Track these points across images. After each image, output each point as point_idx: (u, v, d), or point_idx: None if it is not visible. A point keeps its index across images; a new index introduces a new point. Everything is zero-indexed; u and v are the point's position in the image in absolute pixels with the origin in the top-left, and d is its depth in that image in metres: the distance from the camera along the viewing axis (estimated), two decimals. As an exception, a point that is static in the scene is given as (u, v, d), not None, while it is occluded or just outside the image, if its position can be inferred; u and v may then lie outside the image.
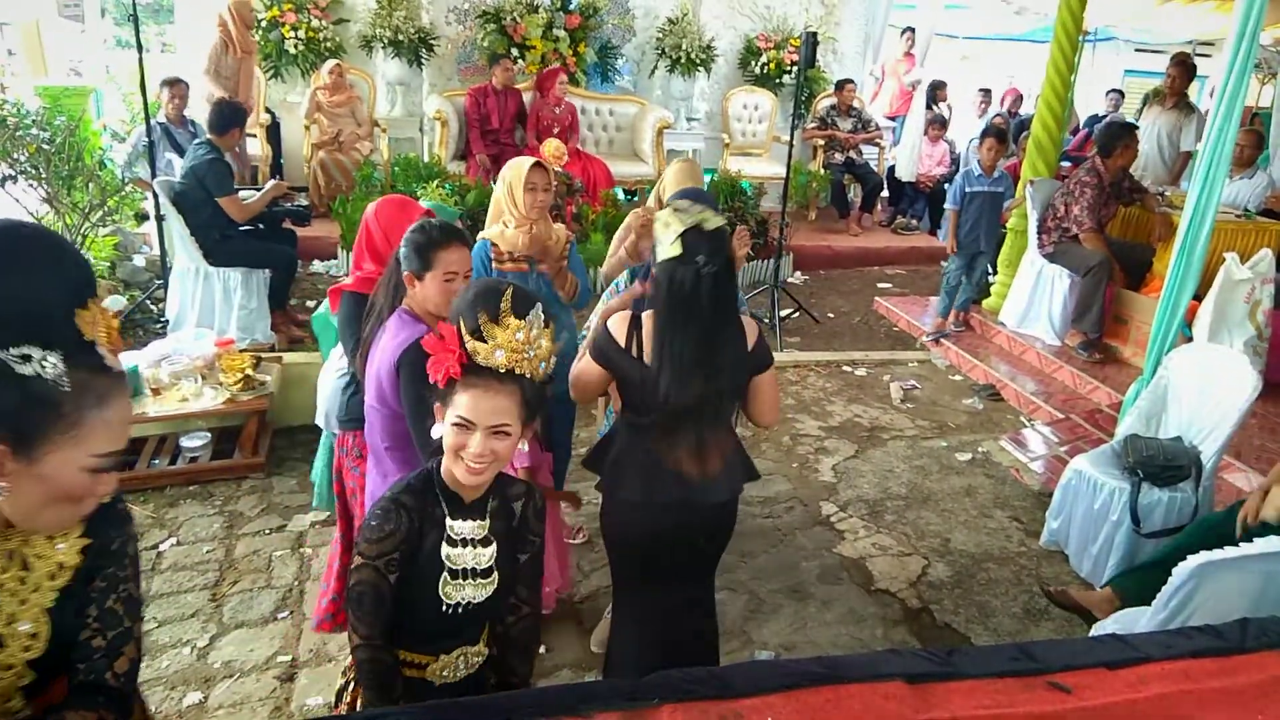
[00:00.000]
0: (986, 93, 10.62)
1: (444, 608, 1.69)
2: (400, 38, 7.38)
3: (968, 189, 5.83)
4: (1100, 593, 3.34)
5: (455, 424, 1.60)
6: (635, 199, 7.66)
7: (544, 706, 1.54)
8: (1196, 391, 3.59)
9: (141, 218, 6.51)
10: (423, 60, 7.63)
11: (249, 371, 4.07)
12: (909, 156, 8.55)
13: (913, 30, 9.42)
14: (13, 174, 4.85)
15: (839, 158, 8.45)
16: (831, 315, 6.78)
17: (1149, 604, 2.57)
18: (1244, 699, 1.63)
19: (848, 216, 8.50)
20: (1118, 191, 5.40)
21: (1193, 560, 2.43)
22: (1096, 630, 2.94)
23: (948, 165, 8.97)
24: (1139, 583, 3.05)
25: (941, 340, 6.06)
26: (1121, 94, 10.75)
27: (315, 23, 7.27)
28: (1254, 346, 4.32)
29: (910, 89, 9.10)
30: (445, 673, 1.76)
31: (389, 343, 2.20)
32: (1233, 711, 1.61)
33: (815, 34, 6.29)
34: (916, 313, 6.62)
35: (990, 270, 6.31)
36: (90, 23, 9.02)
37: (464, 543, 1.69)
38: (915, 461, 4.53)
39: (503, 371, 1.60)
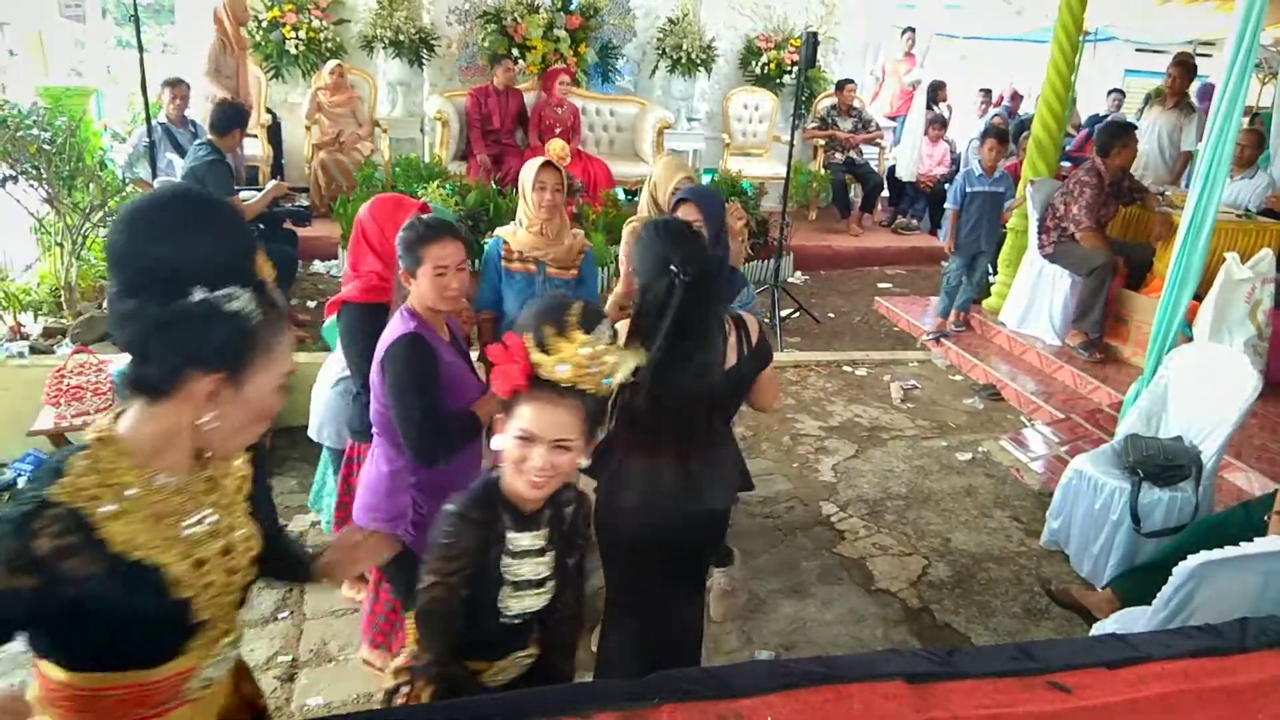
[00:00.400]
0: (987, 93, 10.62)
1: (503, 619, 1.68)
2: (401, 38, 7.38)
3: (968, 189, 5.83)
4: (1101, 593, 3.34)
5: (518, 437, 1.59)
6: (635, 199, 7.65)
7: (544, 706, 1.54)
8: (1197, 391, 3.59)
9: (142, 218, 6.51)
10: (423, 60, 7.63)
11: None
12: (909, 156, 8.56)
13: (913, 30, 9.42)
14: (13, 174, 4.84)
15: (839, 158, 8.45)
16: (832, 315, 6.78)
17: (1149, 604, 2.57)
18: (1244, 698, 1.63)
19: (849, 216, 8.50)
20: (1118, 191, 5.40)
21: (1193, 560, 2.43)
22: (1096, 630, 2.94)
23: (948, 165, 8.97)
24: (1139, 584, 3.05)
25: (941, 340, 6.06)
26: (1122, 94, 10.75)
27: (316, 23, 7.28)
28: (1254, 346, 4.32)
29: (910, 89, 9.10)
30: (500, 676, 1.77)
31: (385, 337, 2.24)
32: (1232, 711, 1.61)
33: (815, 34, 6.30)
34: (917, 313, 6.62)
35: (990, 270, 6.31)
36: (91, 23, 9.01)
37: (523, 554, 1.69)
38: (915, 461, 4.53)
39: (565, 386, 1.58)
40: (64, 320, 4.90)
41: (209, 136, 4.89)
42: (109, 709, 1.26)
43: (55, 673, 1.25)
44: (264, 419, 1.29)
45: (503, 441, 1.63)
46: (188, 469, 1.29)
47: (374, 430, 2.33)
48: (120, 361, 4.01)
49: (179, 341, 1.16)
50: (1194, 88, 6.96)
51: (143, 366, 1.20)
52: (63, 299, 5.01)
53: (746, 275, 6.87)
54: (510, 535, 1.67)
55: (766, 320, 6.01)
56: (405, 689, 1.75)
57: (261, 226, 5.20)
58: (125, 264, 1.18)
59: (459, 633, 1.67)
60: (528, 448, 1.59)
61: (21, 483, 3.93)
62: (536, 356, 1.57)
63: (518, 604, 1.69)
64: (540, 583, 1.71)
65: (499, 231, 3.17)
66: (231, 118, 4.90)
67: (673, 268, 2.06)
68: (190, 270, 1.16)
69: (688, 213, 2.78)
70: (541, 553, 1.71)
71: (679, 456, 2.19)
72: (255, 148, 6.87)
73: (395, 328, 2.22)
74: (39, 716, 1.30)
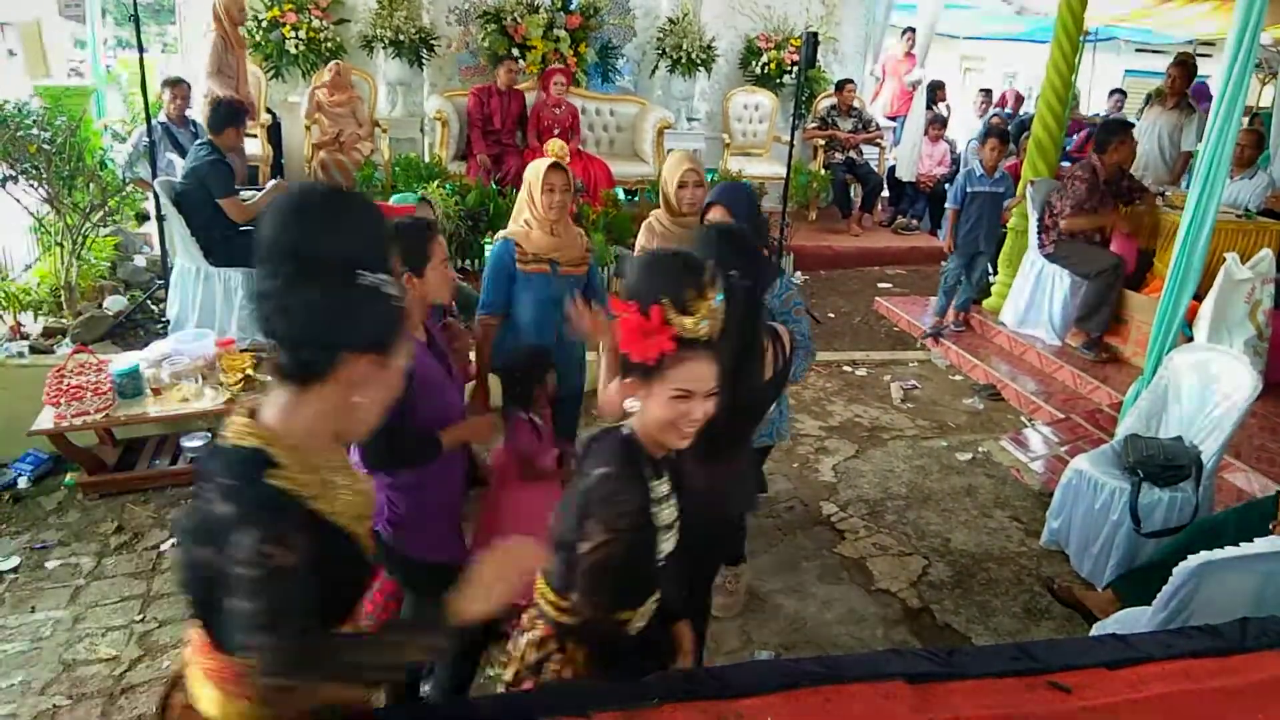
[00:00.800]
0: (987, 93, 10.63)
1: (653, 565, 1.76)
2: (401, 38, 7.37)
3: (969, 189, 5.83)
4: (1102, 594, 3.34)
5: (675, 396, 1.65)
6: (635, 199, 7.65)
7: (544, 706, 1.54)
8: (1197, 391, 3.59)
9: (142, 218, 6.51)
10: (423, 60, 7.63)
11: (250, 371, 4.07)
12: (909, 156, 8.56)
13: (913, 30, 9.42)
14: (14, 174, 4.85)
15: (839, 158, 8.45)
16: (832, 315, 6.78)
17: (1149, 604, 2.57)
18: (1244, 698, 1.64)
19: (849, 216, 8.50)
20: (1116, 190, 5.39)
21: (1193, 560, 2.43)
22: (1097, 630, 2.94)
23: (948, 165, 8.97)
24: (1139, 584, 3.05)
25: (940, 338, 6.06)
26: (1124, 94, 10.75)
27: (316, 23, 7.26)
28: (1254, 346, 4.32)
29: (910, 89, 9.10)
30: (639, 622, 1.82)
31: None
32: (1232, 711, 1.61)
33: (816, 34, 6.30)
34: (917, 312, 6.62)
35: (990, 270, 6.31)
36: (92, 22, 9.00)
37: (662, 500, 1.75)
38: (915, 461, 4.53)
39: (704, 340, 1.67)
40: (64, 320, 4.91)
41: (209, 136, 4.88)
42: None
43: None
44: (393, 399, 1.38)
45: (634, 403, 1.70)
46: (330, 448, 1.38)
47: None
48: (121, 361, 4.02)
49: (345, 324, 1.25)
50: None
51: (300, 353, 1.26)
52: (63, 299, 5.01)
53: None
54: (652, 484, 1.73)
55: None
56: (556, 656, 1.76)
57: None
58: (292, 255, 1.25)
59: (620, 586, 1.72)
60: (686, 403, 1.66)
61: (22, 483, 3.93)
62: (679, 320, 1.63)
63: (664, 546, 1.76)
64: (672, 524, 1.78)
65: (506, 234, 3.14)
66: (225, 116, 4.88)
67: (732, 273, 1.99)
68: (356, 257, 1.25)
69: (716, 216, 2.74)
70: (670, 496, 1.78)
71: (710, 465, 2.18)
72: (255, 147, 6.86)
73: None
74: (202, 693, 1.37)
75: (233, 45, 6.37)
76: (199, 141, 5.00)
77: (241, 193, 4.97)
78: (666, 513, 1.76)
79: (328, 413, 1.31)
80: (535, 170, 3.05)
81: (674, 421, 1.67)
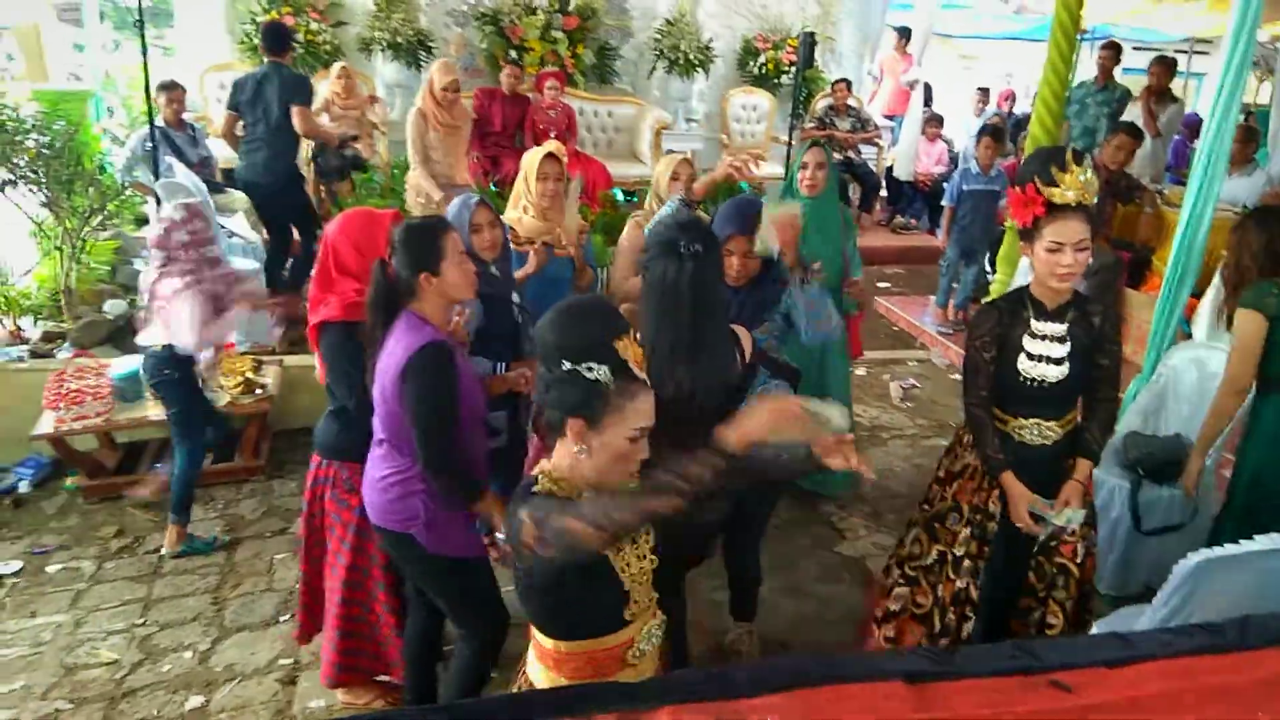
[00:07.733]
0: (985, 92, 10.63)
1: (1021, 379, 2.39)
2: (399, 40, 7.37)
3: (965, 187, 5.84)
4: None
5: (1049, 249, 2.23)
6: (634, 200, 7.64)
7: (540, 707, 1.54)
8: (1196, 388, 3.59)
9: (141, 221, 6.50)
10: (421, 63, 7.63)
11: (249, 375, 4.08)
12: (907, 155, 8.56)
13: (909, 30, 9.42)
14: (12, 179, 4.85)
15: (837, 157, 8.45)
16: (831, 315, 6.77)
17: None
18: (1244, 696, 1.63)
19: (848, 215, 8.51)
20: (1115, 190, 5.39)
21: (1193, 557, 2.43)
22: (1097, 628, 2.94)
23: (946, 164, 8.98)
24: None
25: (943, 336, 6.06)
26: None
27: (314, 25, 7.27)
28: (1253, 343, 4.31)
29: (907, 88, 9.11)
30: (1027, 434, 2.47)
31: (396, 346, 2.16)
32: (1233, 709, 1.61)
33: (813, 34, 6.31)
34: (916, 312, 6.62)
35: (990, 269, 6.31)
36: (90, 27, 9.01)
37: (1043, 337, 2.37)
38: (915, 460, 4.53)
39: (1074, 205, 2.17)
40: (63, 324, 4.90)
41: (272, 58, 5.37)
42: (577, 668, 1.72)
43: (546, 641, 1.72)
44: (625, 460, 1.67)
45: (1033, 260, 2.31)
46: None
47: (379, 436, 2.29)
48: (121, 365, 4.02)
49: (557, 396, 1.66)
50: (1194, 85, 7.14)
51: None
52: (62, 303, 5.01)
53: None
54: (1034, 323, 2.39)
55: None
56: None
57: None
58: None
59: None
60: (1057, 255, 2.23)
61: (23, 487, 3.93)
62: (1047, 190, 2.17)
63: (1031, 371, 2.40)
64: (1056, 360, 2.39)
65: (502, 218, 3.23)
66: (283, 35, 5.49)
67: (682, 243, 2.09)
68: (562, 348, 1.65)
69: (738, 246, 2.67)
70: (1062, 340, 2.38)
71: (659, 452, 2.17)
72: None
73: (411, 335, 2.14)
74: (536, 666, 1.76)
75: (435, 123, 5.58)
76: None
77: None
78: (1043, 347, 2.38)
79: (568, 455, 1.69)
80: (532, 159, 3.25)
81: (1051, 270, 2.25)
